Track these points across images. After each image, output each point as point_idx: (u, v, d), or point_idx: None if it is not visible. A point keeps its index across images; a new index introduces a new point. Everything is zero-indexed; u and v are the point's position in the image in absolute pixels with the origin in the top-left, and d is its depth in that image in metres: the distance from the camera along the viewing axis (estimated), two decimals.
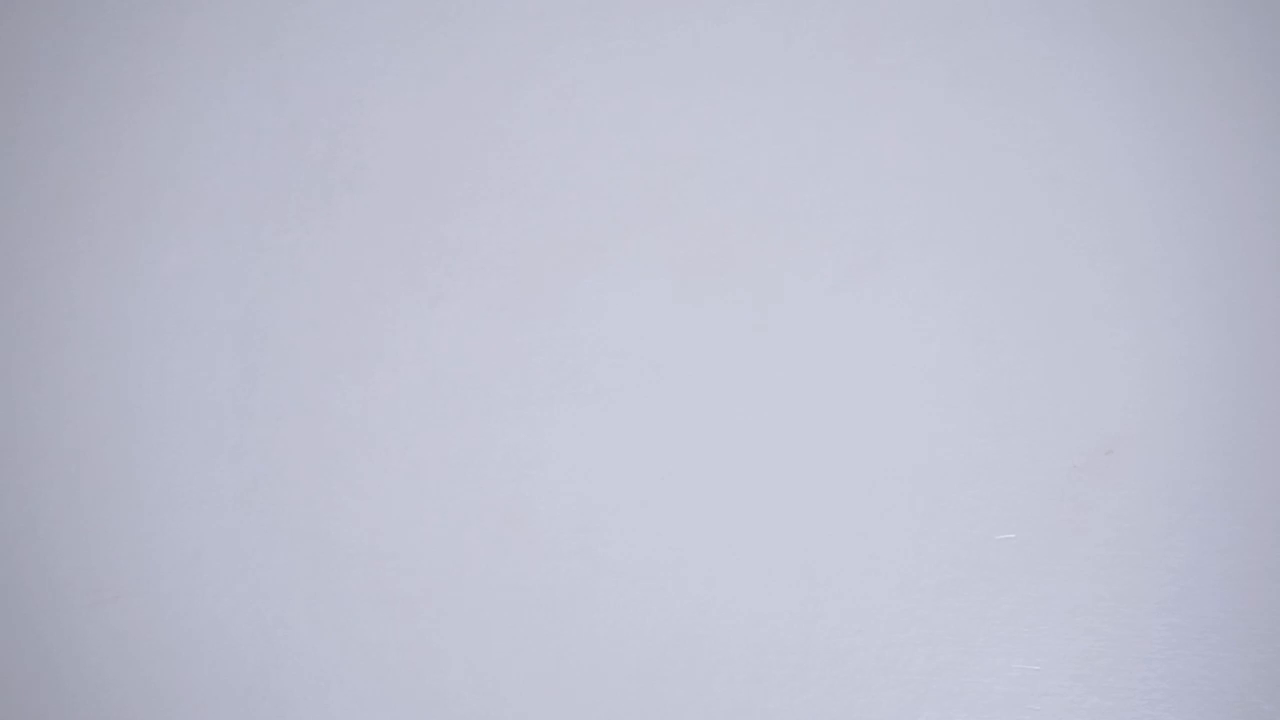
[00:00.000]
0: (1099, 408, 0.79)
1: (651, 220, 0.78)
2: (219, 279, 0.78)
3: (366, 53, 0.78)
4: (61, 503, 0.77)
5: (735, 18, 0.79)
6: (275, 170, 0.76)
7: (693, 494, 0.73)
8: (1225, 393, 0.80)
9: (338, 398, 0.77)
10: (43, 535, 0.77)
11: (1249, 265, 0.80)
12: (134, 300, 0.78)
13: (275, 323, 0.77)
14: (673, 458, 0.72)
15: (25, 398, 0.77)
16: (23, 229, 0.78)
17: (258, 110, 0.73)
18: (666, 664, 0.74)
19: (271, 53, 0.78)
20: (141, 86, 0.77)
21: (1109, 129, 0.80)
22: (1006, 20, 0.80)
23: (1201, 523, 0.79)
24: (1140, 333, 0.80)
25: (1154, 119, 0.80)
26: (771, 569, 0.77)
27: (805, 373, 0.79)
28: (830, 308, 0.79)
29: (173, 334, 0.79)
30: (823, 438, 0.78)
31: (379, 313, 0.77)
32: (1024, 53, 0.80)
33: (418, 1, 0.78)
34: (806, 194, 0.79)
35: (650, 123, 0.79)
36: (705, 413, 0.78)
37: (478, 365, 0.77)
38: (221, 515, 0.77)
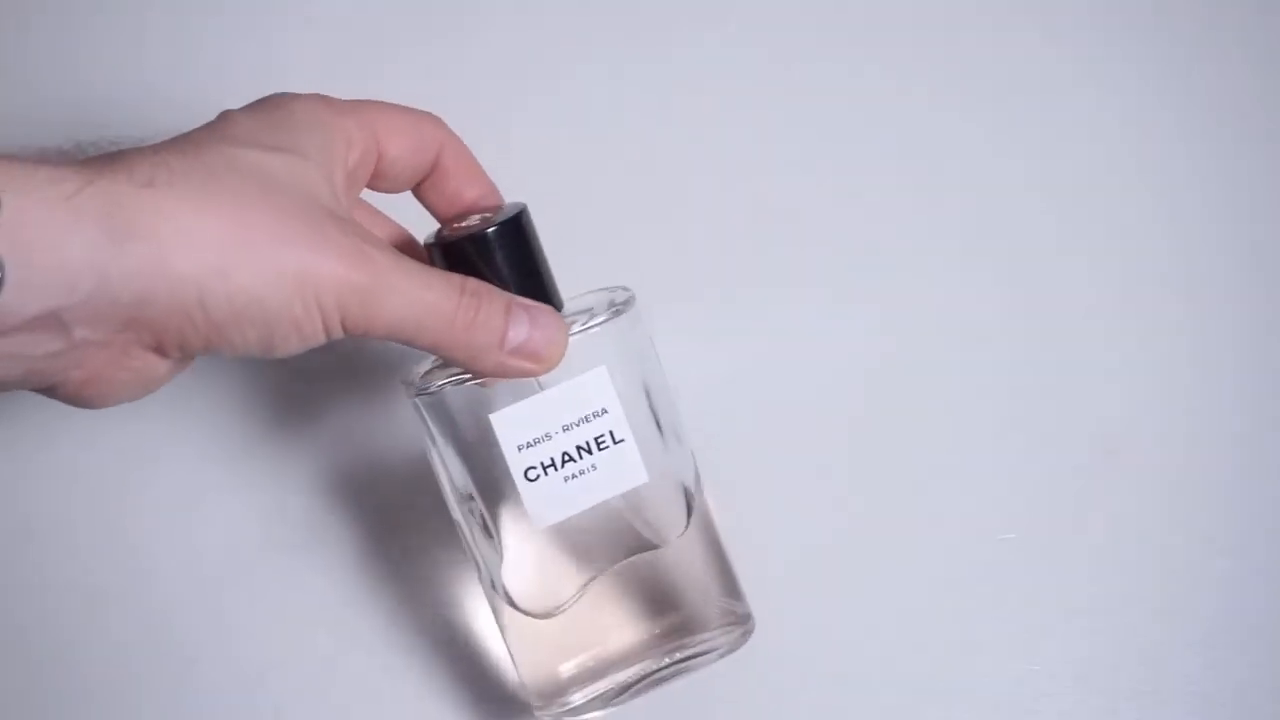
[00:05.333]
0: (1100, 408, 0.80)
1: (651, 221, 0.79)
2: None
3: (366, 52, 0.78)
4: (61, 501, 0.77)
5: (735, 17, 0.79)
6: None
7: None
8: (1226, 393, 0.80)
9: (339, 397, 0.77)
10: (41, 534, 0.77)
11: (1250, 265, 0.80)
12: None
13: None
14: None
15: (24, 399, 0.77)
16: None
17: None
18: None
19: (271, 52, 0.78)
20: (140, 85, 0.77)
21: (1110, 130, 0.81)
22: (1006, 20, 0.80)
23: (1201, 523, 0.79)
24: (1141, 333, 0.80)
25: (1155, 119, 0.81)
26: (771, 569, 0.77)
27: (805, 373, 0.79)
28: (830, 308, 0.79)
29: None
30: (822, 438, 0.78)
31: None
32: (1023, 53, 0.81)
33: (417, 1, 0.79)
34: (806, 194, 0.79)
35: (649, 123, 0.79)
36: (705, 413, 0.77)
37: None
38: (222, 514, 0.77)
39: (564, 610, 0.67)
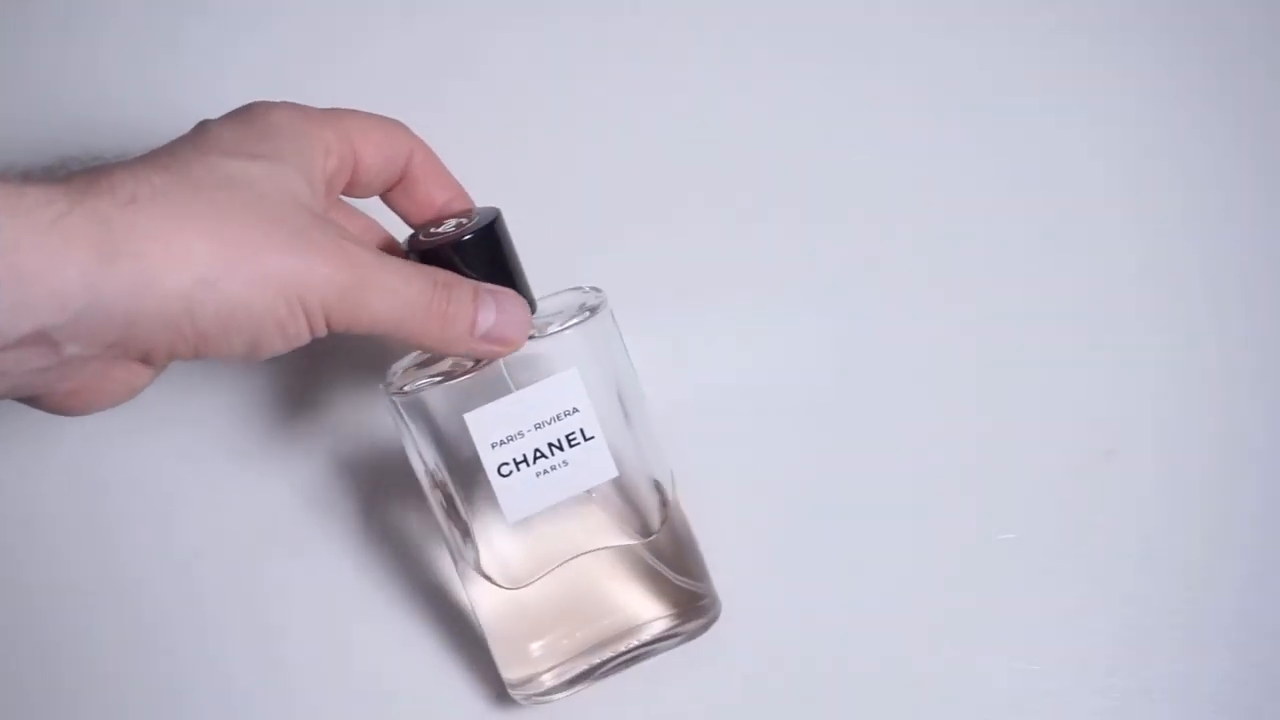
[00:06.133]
0: (1099, 407, 0.79)
1: (651, 222, 0.79)
2: None
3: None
4: (61, 499, 0.78)
5: (733, 18, 0.79)
6: None
7: (693, 495, 0.73)
8: (1226, 392, 0.79)
9: (342, 392, 0.78)
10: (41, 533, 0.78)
11: (1249, 264, 0.80)
12: None
13: None
14: (674, 459, 0.73)
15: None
16: None
17: None
18: (665, 664, 0.74)
19: (271, 53, 0.79)
20: (142, 84, 0.78)
21: (1109, 132, 0.80)
22: (1006, 22, 0.80)
23: (1201, 523, 0.79)
24: (1141, 332, 0.80)
25: (1152, 122, 0.80)
26: (772, 569, 0.77)
27: (805, 374, 0.79)
28: (831, 309, 0.79)
29: None
30: (823, 438, 0.79)
31: None
32: (1024, 55, 0.80)
33: None
34: (807, 195, 0.79)
35: (645, 124, 0.79)
36: (705, 414, 0.78)
37: None
38: (221, 515, 0.78)
39: (533, 583, 0.69)
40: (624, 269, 0.75)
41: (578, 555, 0.69)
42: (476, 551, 0.69)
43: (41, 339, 0.53)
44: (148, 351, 0.56)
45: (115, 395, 0.59)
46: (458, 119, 0.76)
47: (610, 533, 0.70)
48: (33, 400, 0.57)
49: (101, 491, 0.78)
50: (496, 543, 0.69)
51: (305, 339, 0.58)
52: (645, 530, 0.70)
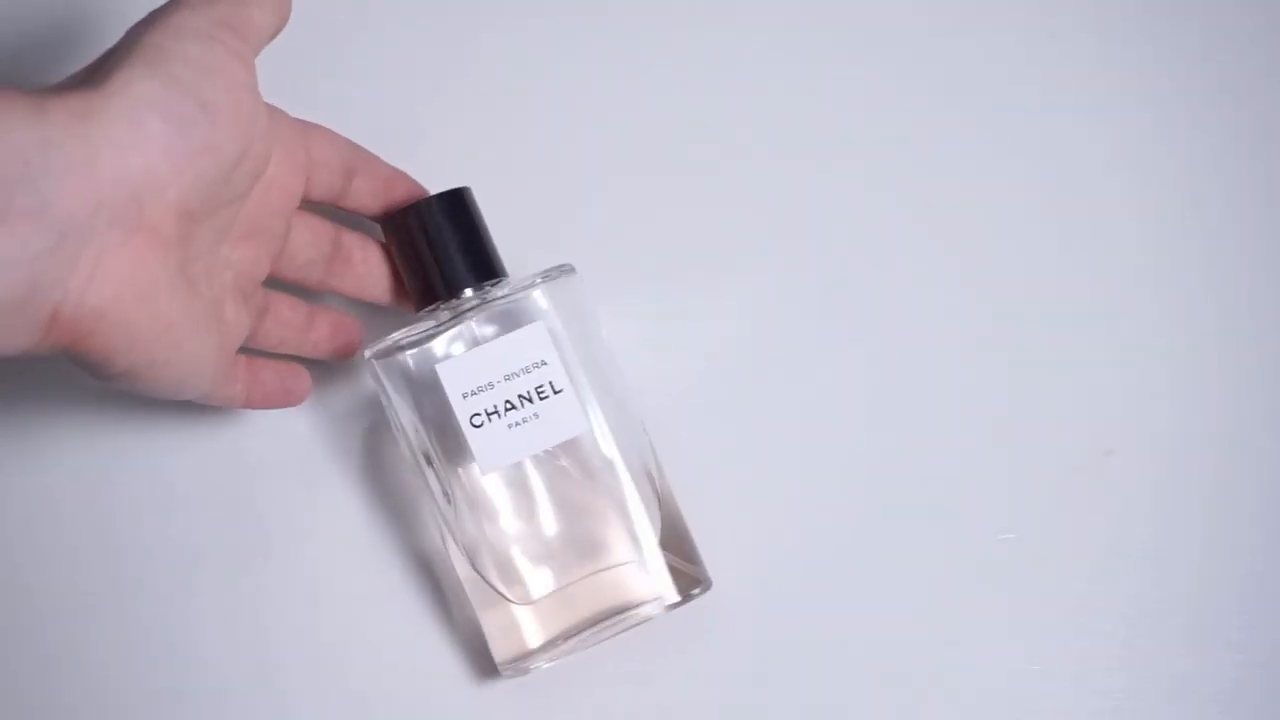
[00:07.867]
0: (1099, 407, 0.79)
1: (648, 221, 0.79)
2: None
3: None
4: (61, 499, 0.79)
5: (733, 21, 0.80)
6: None
7: (691, 494, 0.73)
8: (1226, 392, 0.79)
9: (341, 391, 0.78)
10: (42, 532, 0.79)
11: (1248, 264, 0.80)
12: None
13: None
14: (673, 458, 0.73)
15: (25, 395, 0.79)
16: None
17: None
18: (665, 664, 0.74)
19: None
20: None
21: (1110, 133, 0.81)
22: (1003, 25, 0.81)
23: (1201, 523, 0.78)
24: (1141, 332, 0.79)
25: (1148, 124, 0.81)
26: (771, 569, 0.77)
27: (803, 375, 0.79)
28: (830, 310, 0.79)
29: None
30: (822, 439, 0.78)
31: None
32: (1018, 58, 0.81)
33: None
34: (804, 196, 0.80)
35: (644, 126, 0.80)
36: (702, 415, 0.78)
37: None
38: (221, 514, 0.78)
39: (534, 601, 0.70)
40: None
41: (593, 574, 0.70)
42: (466, 530, 0.69)
43: (27, 210, 0.53)
44: (140, 203, 0.56)
45: (142, 313, 0.57)
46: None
47: (631, 591, 0.70)
48: (60, 321, 0.56)
49: (101, 491, 0.79)
50: (487, 522, 0.69)
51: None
52: (643, 549, 0.70)
